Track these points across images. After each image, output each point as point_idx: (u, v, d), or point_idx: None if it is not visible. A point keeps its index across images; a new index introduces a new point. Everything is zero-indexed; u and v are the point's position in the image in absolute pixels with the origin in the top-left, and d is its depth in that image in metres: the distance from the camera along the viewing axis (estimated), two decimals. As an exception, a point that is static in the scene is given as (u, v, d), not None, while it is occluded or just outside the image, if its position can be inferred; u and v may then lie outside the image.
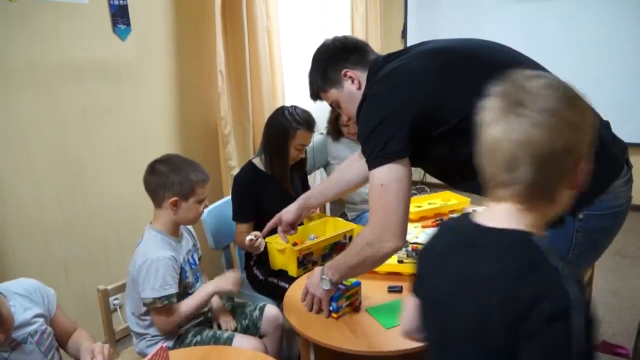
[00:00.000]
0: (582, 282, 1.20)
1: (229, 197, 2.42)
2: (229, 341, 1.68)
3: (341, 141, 2.83)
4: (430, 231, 2.26)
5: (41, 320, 1.38)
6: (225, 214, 2.33)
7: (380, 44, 4.47)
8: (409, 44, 4.78)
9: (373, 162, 1.32)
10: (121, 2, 2.41)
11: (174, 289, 1.63)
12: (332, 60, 1.52)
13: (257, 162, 2.29)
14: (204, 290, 1.72)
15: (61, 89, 2.22)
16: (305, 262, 2.05)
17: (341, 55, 1.51)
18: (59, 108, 2.23)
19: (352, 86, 1.50)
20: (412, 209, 2.52)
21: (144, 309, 1.66)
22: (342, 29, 3.82)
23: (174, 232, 1.74)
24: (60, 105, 2.23)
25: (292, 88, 3.35)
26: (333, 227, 2.33)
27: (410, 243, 2.06)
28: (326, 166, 2.92)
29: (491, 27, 4.31)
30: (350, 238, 2.23)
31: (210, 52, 2.75)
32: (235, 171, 2.86)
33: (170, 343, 1.68)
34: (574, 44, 4.17)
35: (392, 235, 1.33)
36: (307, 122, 2.21)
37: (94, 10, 2.30)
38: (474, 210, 0.96)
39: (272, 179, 2.24)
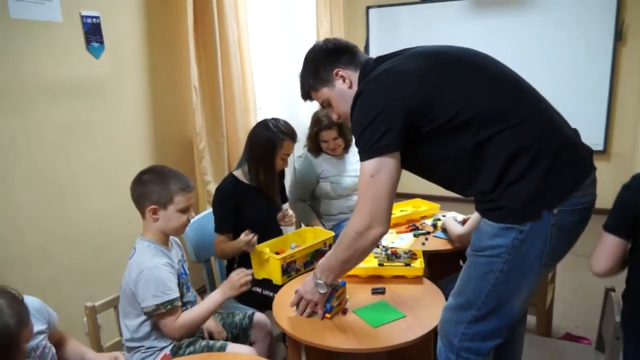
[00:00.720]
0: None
1: (208, 210, 2.47)
2: (222, 350, 1.72)
3: (321, 156, 2.88)
4: (405, 236, 2.39)
5: (42, 336, 1.40)
6: (205, 227, 2.37)
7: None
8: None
9: (365, 154, 1.39)
10: (94, 20, 2.43)
11: (175, 294, 1.65)
12: (324, 60, 1.57)
13: (239, 174, 2.34)
14: (213, 300, 1.74)
15: (37, 107, 2.22)
16: (289, 269, 2.11)
17: (333, 55, 1.57)
18: (35, 126, 2.21)
19: (344, 85, 1.56)
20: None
21: (140, 320, 1.67)
22: (308, 45, 3.93)
23: (165, 242, 1.77)
24: (36, 123, 2.22)
25: (262, 102, 3.41)
26: (312, 236, 2.40)
27: (389, 247, 2.16)
28: (316, 186, 2.91)
29: (449, 41, 4.55)
30: (330, 245, 2.31)
31: (184, 68, 2.80)
32: (211, 186, 2.90)
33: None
34: (530, 59, 4.44)
35: (379, 223, 1.41)
36: (292, 132, 2.30)
37: (68, 28, 2.31)
38: None
39: (255, 190, 2.30)
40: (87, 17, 2.39)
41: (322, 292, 1.62)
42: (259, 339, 1.96)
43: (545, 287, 2.33)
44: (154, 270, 1.63)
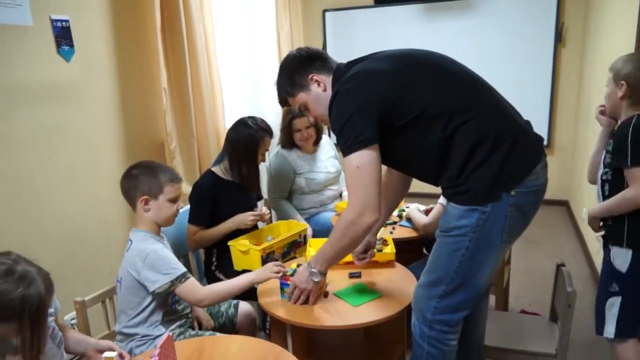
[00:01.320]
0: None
1: (184, 208, 2.54)
2: None
3: (294, 152, 2.98)
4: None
5: (52, 318, 1.47)
6: (182, 223, 2.44)
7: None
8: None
9: (349, 149, 1.51)
10: (64, 23, 2.45)
11: (184, 268, 1.74)
12: (299, 67, 1.70)
13: (217, 170, 2.44)
14: (245, 277, 1.80)
15: (11, 111, 2.22)
16: (268, 260, 2.21)
17: (307, 62, 1.70)
18: (10, 130, 2.22)
19: (319, 89, 1.69)
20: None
21: (141, 308, 1.74)
22: (270, 46, 4.05)
23: (157, 233, 1.84)
24: (10, 126, 2.22)
25: (229, 103, 3.49)
26: (287, 229, 2.52)
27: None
28: (292, 181, 3.00)
29: (401, 42, 4.79)
30: (305, 237, 2.44)
31: (153, 70, 2.85)
32: (183, 185, 2.96)
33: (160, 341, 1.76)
34: (477, 59, 4.70)
35: (371, 210, 1.53)
36: (270, 129, 2.44)
37: (39, 32, 2.33)
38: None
39: (233, 185, 2.41)
40: (57, 20, 2.41)
41: (316, 280, 1.72)
42: (245, 327, 2.05)
43: (503, 268, 2.53)
44: (158, 252, 1.72)
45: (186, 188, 2.99)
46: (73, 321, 2.47)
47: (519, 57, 4.69)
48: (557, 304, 2.04)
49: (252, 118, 2.42)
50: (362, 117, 1.50)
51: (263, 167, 2.78)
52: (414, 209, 2.62)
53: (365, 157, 1.50)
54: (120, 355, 1.49)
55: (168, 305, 1.81)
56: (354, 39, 5.07)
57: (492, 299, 2.63)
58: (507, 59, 4.73)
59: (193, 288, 1.74)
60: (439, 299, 1.61)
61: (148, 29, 2.81)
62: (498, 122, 1.53)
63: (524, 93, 4.69)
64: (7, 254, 1.33)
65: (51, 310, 1.46)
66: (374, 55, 1.68)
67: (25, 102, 2.29)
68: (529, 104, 4.75)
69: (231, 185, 2.41)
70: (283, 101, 1.80)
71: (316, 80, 1.69)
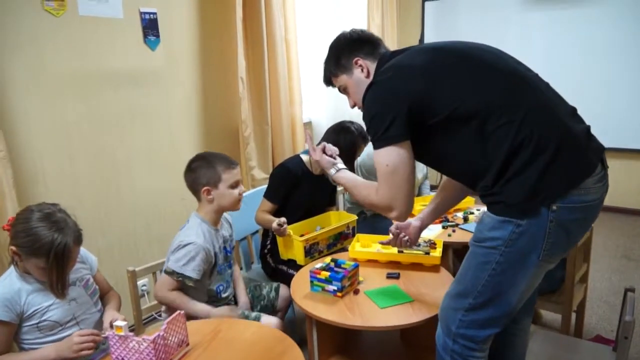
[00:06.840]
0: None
1: (249, 191, 2.67)
2: (257, 319, 1.92)
3: None
4: (434, 227, 2.45)
5: (86, 271, 1.67)
6: (244, 209, 2.54)
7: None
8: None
9: (378, 143, 1.47)
10: (151, 16, 2.67)
11: (194, 275, 1.83)
12: (347, 48, 1.68)
13: (305, 159, 2.53)
14: (204, 307, 1.88)
15: (99, 94, 2.49)
16: (312, 251, 2.24)
17: (355, 45, 1.67)
18: (97, 111, 2.49)
19: (362, 74, 1.65)
20: (418, 207, 2.69)
21: (175, 284, 1.87)
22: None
23: (215, 221, 1.97)
24: (98, 108, 2.49)
25: (309, 95, 3.55)
26: (337, 219, 2.53)
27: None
28: None
29: (511, 35, 4.44)
30: (353, 229, 2.43)
31: (232, 60, 2.99)
32: (255, 170, 3.09)
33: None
34: (589, 49, 4.28)
35: (398, 209, 1.49)
36: (367, 135, 2.49)
37: (128, 23, 2.57)
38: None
39: (314, 177, 2.50)
40: (145, 13, 2.63)
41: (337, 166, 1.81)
42: (283, 307, 2.22)
43: (572, 286, 2.30)
44: (193, 246, 1.84)
45: (258, 173, 3.12)
46: (144, 287, 2.74)
47: (635, 50, 4.15)
48: (620, 333, 1.82)
49: (352, 123, 2.52)
50: (392, 112, 1.43)
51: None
52: None
53: (395, 156, 1.45)
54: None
55: (212, 292, 1.97)
56: (457, 32, 4.81)
57: (557, 318, 2.41)
58: (620, 51, 4.21)
59: (167, 285, 1.85)
60: (465, 312, 1.51)
61: (229, 20, 2.95)
62: (542, 126, 1.37)
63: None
64: (55, 204, 1.55)
65: (85, 265, 1.66)
66: (414, 47, 1.61)
67: (113, 86, 2.54)
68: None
69: (314, 178, 2.49)
70: (327, 80, 1.79)
71: (360, 65, 1.65)
